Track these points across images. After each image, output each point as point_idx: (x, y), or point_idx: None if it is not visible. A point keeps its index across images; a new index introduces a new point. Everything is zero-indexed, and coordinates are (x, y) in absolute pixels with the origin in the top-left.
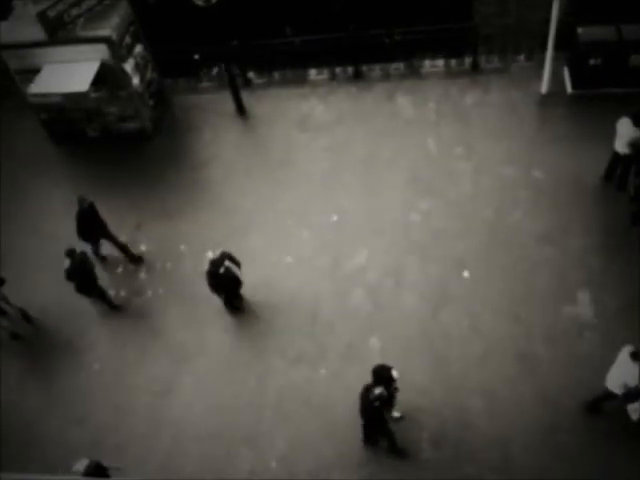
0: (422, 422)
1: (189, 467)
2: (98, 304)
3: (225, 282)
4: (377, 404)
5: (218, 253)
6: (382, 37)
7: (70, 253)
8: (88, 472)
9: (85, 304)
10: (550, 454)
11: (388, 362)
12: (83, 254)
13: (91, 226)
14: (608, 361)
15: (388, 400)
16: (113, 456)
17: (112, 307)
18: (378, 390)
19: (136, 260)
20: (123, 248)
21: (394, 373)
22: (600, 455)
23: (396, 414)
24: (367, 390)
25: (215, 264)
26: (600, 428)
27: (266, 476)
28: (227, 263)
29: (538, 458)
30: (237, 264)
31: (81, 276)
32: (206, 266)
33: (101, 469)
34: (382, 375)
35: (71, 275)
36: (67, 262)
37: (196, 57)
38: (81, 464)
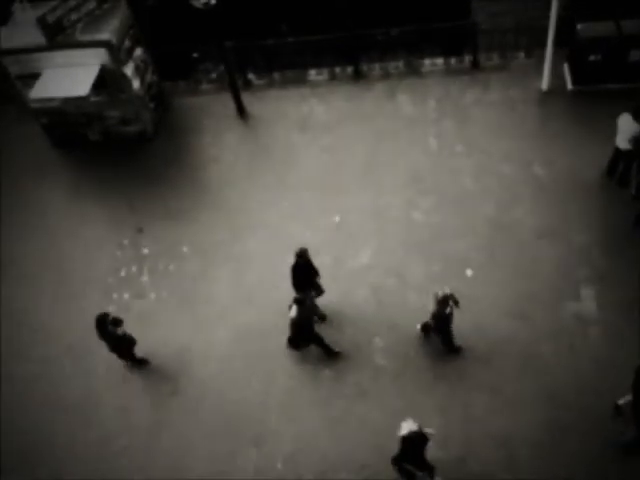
0: (426, 421)
1: (196, 468)
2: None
3: (446, 322)
4: None
5: (448, 292)
6: (379, 35)
7: (301, 301)
8: (411, 436)
9: (85, 308)
10: (555, 451)
11: (391, 361)
12: (311, 303)
13: (306, 277)
14: (613, 357)
15: None
16: (119, 458)
17: (332, 354)
18: None
19: (323, 317)
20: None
21: None
22: (604, 453)
23: None
24: None
25: (444, 303)
26: (601, 426)
27: (272, 477)
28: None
29: (544, 456)
30: (456, 303)
31: (306, 326)
32: (432, 306)
33: (423, 437)
34: None
35: (298, 325)
36: (294, 310)
37: (195, 55)
38: (407, 425)
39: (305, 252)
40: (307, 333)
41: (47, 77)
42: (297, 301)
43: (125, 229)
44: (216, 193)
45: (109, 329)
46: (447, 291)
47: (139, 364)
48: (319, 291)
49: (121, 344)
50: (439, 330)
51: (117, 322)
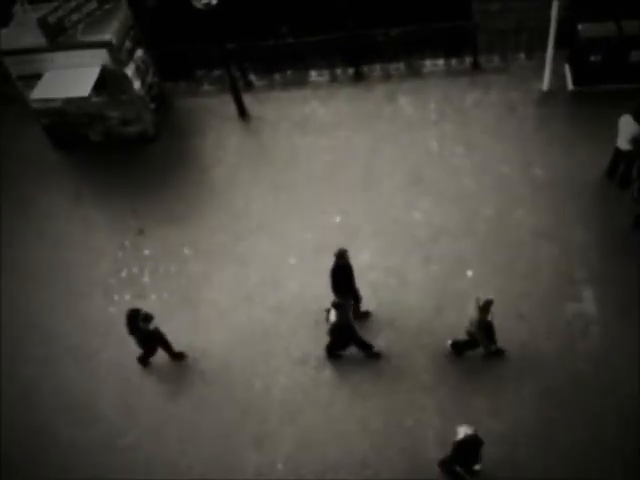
0: (426, 422)
1: (196, 468)
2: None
3: (490, 330)
4: None
5: (490, 297)
6: (380, 36)
7: (339, 305)
8: (467, 440)
9: (86, 309)
10: (555, 451)
11: (392, 361)
12: (349, 307)
13: (347, 280)
14: (612, 357)
15: None
16: (120, 458)
17: (371, 355)
18: None
19: (362, 315)
20: (358, 303)
21: None
22: (605, 453)
23: None
24: None
25: (486, 310)
26: (601, 426)
27: (272, 477)
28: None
29: (543, 456)
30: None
31: (346, 330)
32: (474, 313)
33: (479, 441)
34: None
35: (339, 329)
36: (334, 315)
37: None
38: (463, 429)
39: (345, 253)
40: (348, 337)
41: (48, 78)
42: (335, 305)
43: (126, 230)
44: (217, 194)
45: (140, 325)
46: (489, 297)
47: (141, 364)
48: (357, 297)
49: (151, 340)
50: (486, 338)
51: (148, 318)
